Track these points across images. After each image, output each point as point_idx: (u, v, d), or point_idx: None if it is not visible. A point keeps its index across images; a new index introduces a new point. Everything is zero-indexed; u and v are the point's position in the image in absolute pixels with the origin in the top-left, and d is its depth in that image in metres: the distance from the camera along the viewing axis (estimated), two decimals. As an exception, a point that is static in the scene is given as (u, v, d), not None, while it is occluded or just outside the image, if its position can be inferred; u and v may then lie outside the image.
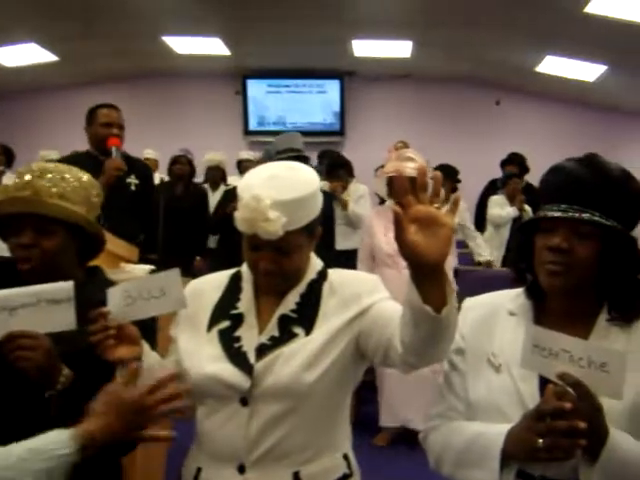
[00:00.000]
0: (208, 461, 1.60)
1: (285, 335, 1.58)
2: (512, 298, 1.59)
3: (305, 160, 4.22)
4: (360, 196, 5.99)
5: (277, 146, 4.55)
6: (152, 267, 2.90)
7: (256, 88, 9.97)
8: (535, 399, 1.40)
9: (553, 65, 8.40)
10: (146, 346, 1.60)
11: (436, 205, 1.28)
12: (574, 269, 1.42)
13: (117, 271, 2.73)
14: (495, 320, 1.57)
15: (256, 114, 10.03)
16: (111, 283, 1.84)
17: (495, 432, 1.41)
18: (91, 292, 1.66)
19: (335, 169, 5.84)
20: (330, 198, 4.57)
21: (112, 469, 1.81)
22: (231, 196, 5.15)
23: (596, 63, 8.01)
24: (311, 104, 9.84)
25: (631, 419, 1.36)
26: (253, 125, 10.06)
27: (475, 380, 1.54)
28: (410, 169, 4.01)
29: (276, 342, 1.57)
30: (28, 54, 8.52)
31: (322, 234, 1.70)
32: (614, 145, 8.55)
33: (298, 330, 1.59)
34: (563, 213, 1.43)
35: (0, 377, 1.64)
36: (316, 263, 1.70)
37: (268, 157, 4.38)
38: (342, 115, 9.87)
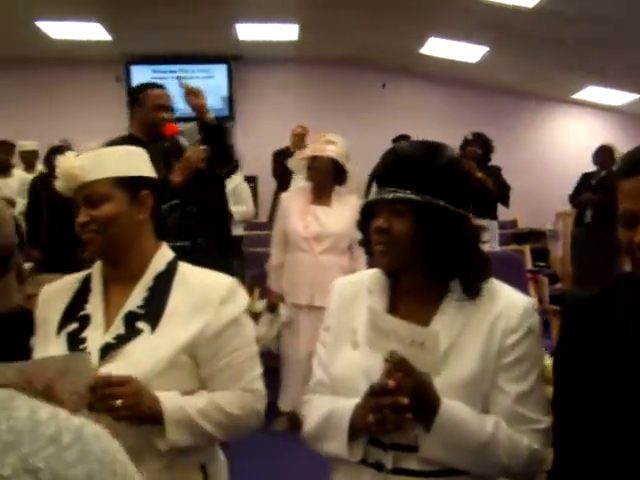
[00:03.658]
0: None
1: (130, 332, 1.57)
2: (372, 277, 1.63)
3: None
4: (233, 188, 5.74)
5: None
6: (31, 265, 2.71)
7: (141, 74, 9.63)
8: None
9: (437, 47, 8.57)
10: None
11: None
12: (394, 246, 1.49)
13: None
14: (357, 298, 1.62)
15: (141, 101, 9.71)
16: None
17: (345, 407, 1.48)
18: None
19: None
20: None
21: None
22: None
23: (478, 45, 8.22)
24: (198, 90, 9.61)
25: (468, 390, 1.45)
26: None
27: (335, 356, 1.59)
28: (331, 151, 4.07)
29: (120, 340, 1.56)
30: None
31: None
32: (499, 123, 8.83)
33: (143, 326, 1.58)
34: (378, 195, 1.50)
35: None
36: (165, 253, 1.70)
37: None
38: (231, 100, 9.72)
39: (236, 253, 4.81)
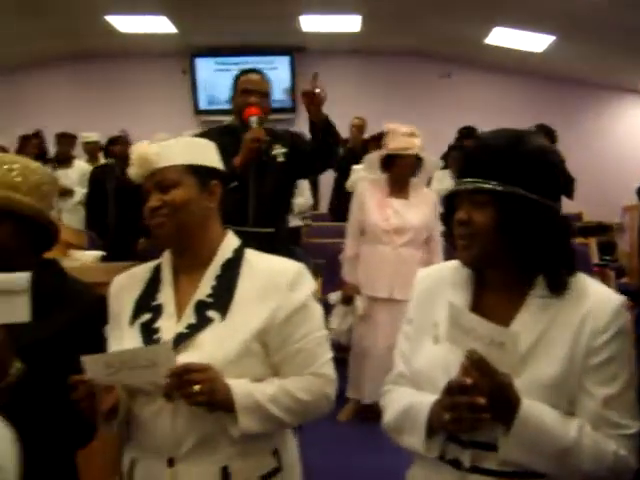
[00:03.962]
0: (140, 453, 1.61)
1: (201, 321, 1.59)
2: (455, 269, 1.60)
3: None
4: None
5: None
6: (102, 253, 2.83)
7: (205, 66, 9.82)
8: None
9: (502, 37, 8.44)
10: None
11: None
12: (476, 239, 1.45)
13: (66, 258, 2.67)
14: (439, 291, 1.59)
15: (206, 93, 9.89)
16: (65, 275, 1.82)
17: (424, 402, 1.46)
18: (45, 284, 1.63)
19: None
20: None
21: (67, 466, 1.78)
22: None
23: (544, 34, 8.07)
24: (261, 81, 9.72)
25: (552, 391, 1.40)
26: (203, 104, 9.92)
27: (416, 349, 1.57)
28: (417, 147, 4.06)
29: (193, 329, 1.58)
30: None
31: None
32: (565, 114, 8.66)
33: (214, 315, 1.60)
34: (459, 186, 1.47)
35: None
36: (231, 241, 1.72)
37: None
38: (293, 92, 9.78)
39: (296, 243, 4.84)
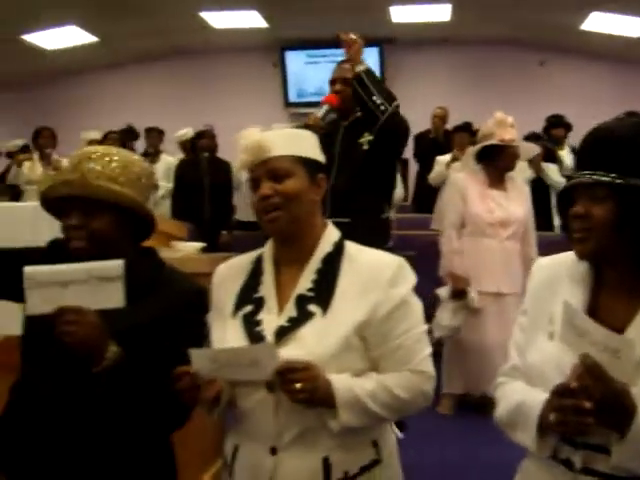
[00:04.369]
0: (244, 440, 1.63)
1: (302, 315, 1.59)
2: (574, 262, 1.52)
3: None
4: None
5: None
6: (203, 244, 2.87)
7: (295, 59, 9.93)
8: None
9: (598, 22, 8.15)
10: None
11: None
12: (592, 234, 1.38)
13: (169, 249, 2.74)
14: (557, 283, 1.54)
15: (295, 85, 10.00)
16: (163, 264, 1.87)
17: (537, 400, 1.42)
18: (143, 272, 1.68)
19: None
20: None
21: (163, 449, 1.84)
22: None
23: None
24: (350, 73, 9.74)
25: None
26: (293, 97, 10.04)
27: (531, 343, 1.53)
28: (514, 136, 4.02)
29: (294, 323, 1.59)
30: (68, 36, 8.62)
31: None
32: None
33: (315, 309, 1.59)
34: (577, 179, 1.41)
35: (51, 352, 1.68)
36: (332, 233, 1.70)
37: None
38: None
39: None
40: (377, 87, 3.33)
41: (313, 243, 1.67)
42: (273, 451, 1.56)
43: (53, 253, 1.80)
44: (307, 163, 1.65)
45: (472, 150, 4.24)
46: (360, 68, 3.32)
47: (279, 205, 1.60)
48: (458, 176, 4.34)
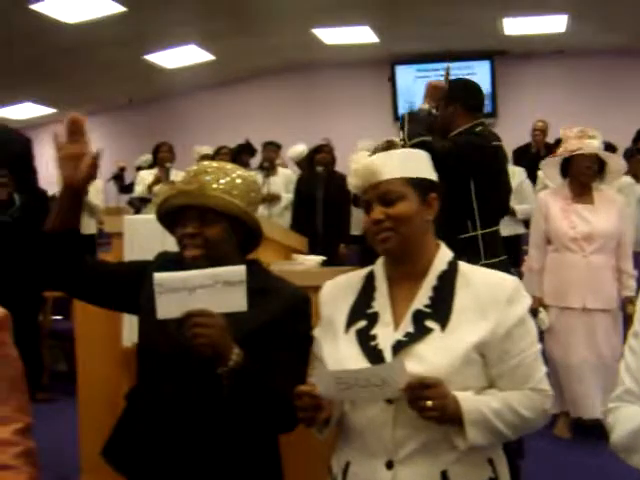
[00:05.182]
0: (357, 456, 1.63)
1: (420, 330, 1.59)
2: None
3: None
4: (518, 185, 5.73)
5: None
6: (323, 258, 2.84)
7: (405, 74, 9.96)
8: None
9: None
10: None
11: None
12: None
13: (290, 262, 2.75)
14: None
15: (405, 100, 10.02)
16: (269, 273, 1.95)
17: None
18: (254, 280, 1.72)
19: None
20: None
21: (271, 450, 1.88)
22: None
23: None
24: (460, 87, 9.67)
25: None
26: (403, 111, 10.04)
27: None
28: (595, 147, 3.90)
29: (411, 338, 1.59)
30: (188, 55, 9.01)
31: None
32: None
33: (433, 325, 1.59)
34: None
35: (176, 354, 1.76)
36: (445, 253, 1.71)
37: None
38: (494, 96, 9.63)
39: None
40: (409, 125, 3.33)
41: (426, 262, 1.68)
42: (389, 465, 1.56)
43: (163, 264, 1.89)
44: (418, 184, 1.66)
45: (547, 167, 4.19)
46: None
47: (390, 229, 1.63)
48: (540, 194, 4.31)
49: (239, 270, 1.65)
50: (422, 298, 1.64)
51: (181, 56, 9.00)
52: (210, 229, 1.80)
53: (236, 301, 1.63)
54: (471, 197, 3.40)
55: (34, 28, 7.15)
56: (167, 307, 1.65)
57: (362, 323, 1.66)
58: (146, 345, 1.90)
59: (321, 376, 1.53)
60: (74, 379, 2.96)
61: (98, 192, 7.23)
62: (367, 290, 1.72)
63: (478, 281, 1.64)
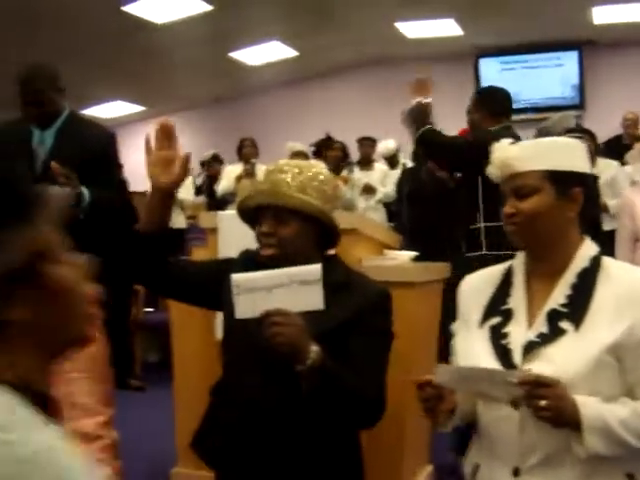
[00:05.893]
0: (486, 459, 1.62)
1: (553, 332, 1.54)
2: None
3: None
4: (612, 178, 5.50)
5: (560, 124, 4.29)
6: (416, 253, 2.83)
7: (489, 67, 9.77)
8: None
9: None
10: None
11: None
12: None
13: (382, 258, 2.74)
14: None
15: (490, 93, 9.86)
16: (349, 269, 1.95)
17: None
18: (329, 278, 1.74)
19: None
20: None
21: (353, 447, 1.91)
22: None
23: None
24: (547, 79, 9.41)
25: None
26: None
27: None
28: None
29: (544, 339, 1.54)
30: (271, 51, 9.11)
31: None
32: None
33: (567, 326, 1.53)
34: None
35: (256, 352, 1.80)
36: (588, 248, 1.63)
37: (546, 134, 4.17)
38: (582, 88, 9.34)
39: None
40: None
41: (567, 258, 1.61)
42: (516, 472, 1.52)
43: (245, 262, 1.93)
44: (558, 177, 1.59)
45: (628, 157, 4.10)
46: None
47: (519, 224, 1.60)
48: (624, 192, 4.12)
49: (315, 269, 1.67)
50: (558, 296, 1.59)
51: (265, 53, 9.09)
52: (284, 228, 1.82)
53: (313, 300, 1.66)
54: (478, 191, 3.50)
55: (125, 29, 7.39)
56: (245, 307, 1.69)
57: (496, 319, 1.63)
58: (229, 342, 1.95)
59: (441, 368, 1.54)
60: (166, 370, 3.04)
61: (188, 188, 7.41)
62: (504, 285, 1.69)
63: (621, 279, 1.57)
